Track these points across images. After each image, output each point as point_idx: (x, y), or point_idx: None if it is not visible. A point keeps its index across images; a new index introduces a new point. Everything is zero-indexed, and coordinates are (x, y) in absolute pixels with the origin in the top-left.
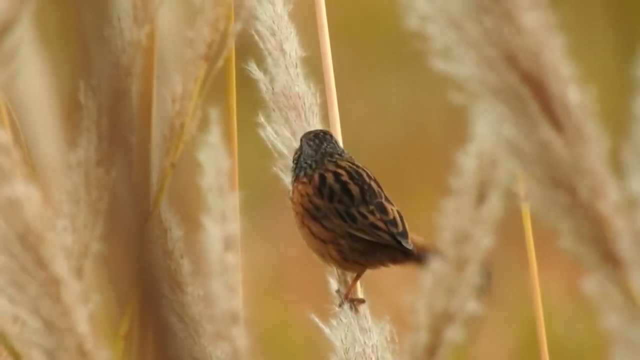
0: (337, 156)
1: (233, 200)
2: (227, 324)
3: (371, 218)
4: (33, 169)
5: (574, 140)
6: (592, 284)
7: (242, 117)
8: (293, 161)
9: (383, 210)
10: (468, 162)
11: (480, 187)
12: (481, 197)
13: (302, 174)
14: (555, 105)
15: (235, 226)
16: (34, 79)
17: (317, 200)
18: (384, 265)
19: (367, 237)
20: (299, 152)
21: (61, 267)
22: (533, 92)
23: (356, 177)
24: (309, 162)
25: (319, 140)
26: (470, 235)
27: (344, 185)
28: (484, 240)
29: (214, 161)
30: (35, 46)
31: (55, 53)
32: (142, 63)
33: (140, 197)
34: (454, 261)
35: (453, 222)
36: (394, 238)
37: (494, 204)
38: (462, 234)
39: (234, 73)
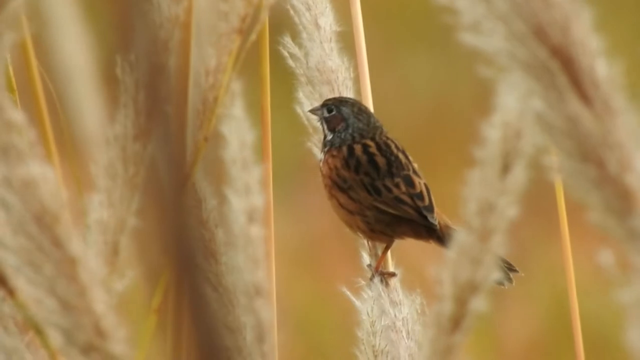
0: (383, 131)
1: (257, 173)
2: (251, 296)
3: (396, 191)
4: (62, 145)
5: (602, 113)
6: (607, 256)
7: (275, 91)
8: (331, 131)
9: (410, 183)
10: (493, 132)
11: (505, 157)
12: (506, 168)
13: (335, 145)
14: (583, 78)
15: (259, 199)
16: (76, 51)
17: (344, 172)
18: (410, 237)
19: (391, 211)
20: (342, 125)
21: (77, 246)
22: (562, 66)
23: (384, 148)
24: (357, 134)
25: (366, 114)
26: (495, 205)
27: (370, 156)
28: (509, 211)
29: (238, 134)
30: (78, 18)
31: (97, 27)
32: (179, 38)
33: (175, 169)
34: (478, 232)
35: (478, 192)
36: (419, 212)
37: (519, 175)
38: (486, 204)
39: (267, 47)
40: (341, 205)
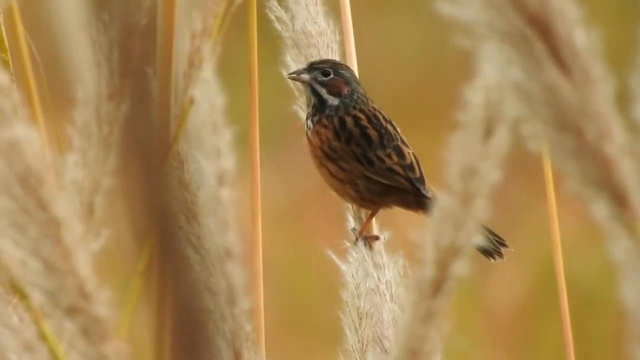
0: (367, 100)
1: (228, 136)
2: (222, 260)
3: (388, 162)
4: (46, 107)
5: (581, 82)
6: (601, 208)
7: (262, 54)
8: (335, 96)
9: (400, 154)
10: (475, 96)
11: (488, 121)
12: (488, 132)
13: (327, 114)
14: (561, 47)
15: (229, 162)
16: (61, 12)
17: (334, 144)
18: (398, 206)
19: (383, 181)
20: (348, 89)
21: (62, 208)
22: (539, 34)
23: (374, 121)
24: (363, 99)
25: (357, 78)
26: (477, 169)
27: (362, 129)
28: (491, 175)
29: (208, 97)
30: None
31: None
32: (163, 0)
33: (160, 132)
34: (460, 195)
35: (460, 156)
36: (411, 183)
37: (502, 139)
38: (469, 168)
39: (255, 10)
40: (331, 174)
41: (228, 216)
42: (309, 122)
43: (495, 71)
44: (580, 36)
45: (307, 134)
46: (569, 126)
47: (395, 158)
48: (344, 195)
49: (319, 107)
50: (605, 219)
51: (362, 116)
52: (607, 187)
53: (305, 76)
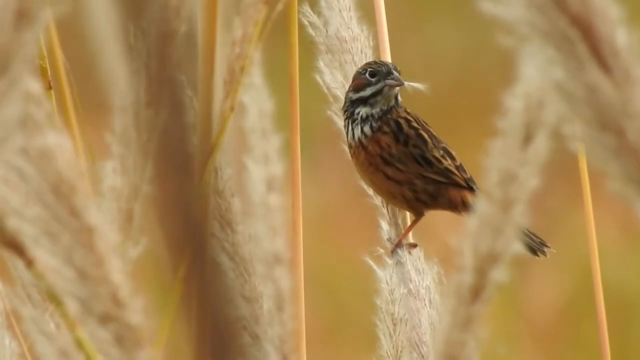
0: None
1: (276, 142)
2: (270, 265)
3: (445, 163)
4: (82, 114)
5: (622, 82)
6: None
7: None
8: (389, 99)
9: (450, 155)
10: (515, 102)
11: (527, 127)
12: (528, 138)
13: (380, 118)
14: (603, 47)
15: (278, 168)
16: (98, 20)
17: (393, 149)
18: (444, 209)
19: (442, 179)
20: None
21: (95, 216)
22: (581, 35)
23: (420, 123)
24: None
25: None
26: (516, 176)
27: (416, 130)
28: (530, 181)
29: (257, 103)
30: None
31: None
32: (205, 7)
33: (201, 139)
34: (499, 202)
35: (499, 162)
36: (467, 183)
37: (541, 145)
38: (508, 174)
39: (296, 16)
40: (389, 177)
41: (277, 222)
42: (366, 129)
43: (536, 72)
44: (622, 36)
45: (359, 142)
46: (610, 126)
47: (448, 160)
48: (397, 197)
49: (382, 113)
50: None
51: (410, 118)
52: None
53: (404, 83)
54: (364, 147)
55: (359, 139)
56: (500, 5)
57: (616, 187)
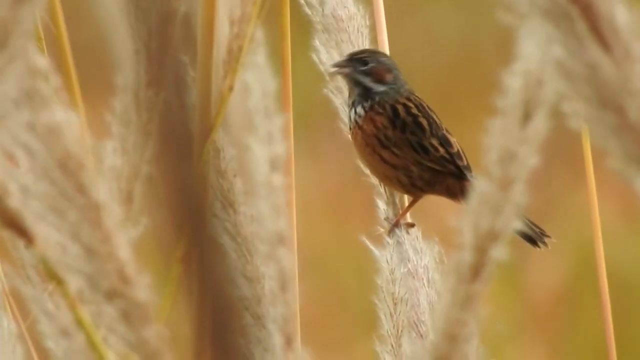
0: (408, 87)
1: (280, 122)
2: (274, 245)
3: (442, 150)
4: (86, 93)
5: (622, 60)
6: None
7: (294, 39)
8: (380, 83)
9: (447, 143)
10: (513, 81)
11: (526, 106)
12: (527, 116)
13: (376, 101)
14: (603, 25)
15: (281, 147)
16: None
17: (389, 131)
18: (442, 195)
19: (437, 167)
20: (391, 76)
21: (102, 192)
22: (581, 12)
23: (422, 109)
24: (406, 87)
25: (397, 67)
26: (516, 154)
27: (414, 117)
28: (530, 160)
29: (260, 82)
30: None
31: None
32: None
33: (201, 119)
34: (499, 180)
35: (498, 141)
36: (460, 170)
37: (540, 123)
38: (507, 153)
39: None
40: (384, 160)
41: (280, 201)
42: (359, 109)
43: (536, 49)
44: (621, 14)
45: (356, 122)
46: (610, 104)
47: (445, 147)
48: (393, 180)
49: (365, 96)
50: None
51: (411, 105)
52: None
53: (346, 69)
54: (360, 127)
55: (355, 120)
56: None
57: (617, 165)
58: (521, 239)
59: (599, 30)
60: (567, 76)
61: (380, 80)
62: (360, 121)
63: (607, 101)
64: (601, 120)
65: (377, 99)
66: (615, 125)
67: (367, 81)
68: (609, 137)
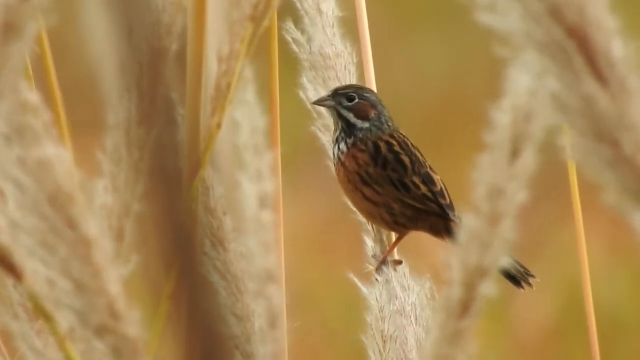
0: (393, 124)
1: (269, 159)
2: (263, 282)
3: (423, 188)
4: (75, 130)
5: (618, 93)
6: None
7: (282, 75)
8: (363, 119)
9: (430, 181)
10: (502, 116)
11: (515, 142)
12: (515, 152)
13: (359, 138)
14: (599, 59)
15: (271, 184)
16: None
17: (371, 169)
18: (426, 232)
19: (418, 206)
20: (375, 112)
21: (92, 227)
22: (577, 46)
23: (404, 147)
24: (389, 124)
25: (382, 104)
26: (504, 190)
27: (396, 155)
28: (518, 195)
29: (249, 119)
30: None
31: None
32: (193, 24)
33: (188, 156)
34: (487, 216)
35: (487, 176)
36: (442, 209)
37: (528, 159)
38: (495, 188)
39: (276, 33)
40: (366, 197)
41: (269, 238)
42: (342, 145)
43: (530, 82)
44: (618, 47)
45: (338, 158)
46: (606, 137)
47: (427, 185)
48: (376, 217)
49: (348, 132)
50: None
51: (394, 142)
52: None
53: (330, 102)
54: (342, 164)
55: (337, 156)
56: (496, 15)
57: (611, 199)
58: (505, 279)
59: (595, 64)
60: (563, 109)
61: (363, 117)
62: (342, 157)
63: (602, 134)
64: (596, 154)
65: (360, 135)
66: (610, 159)
67: (351, 117)
68: (603, 170)
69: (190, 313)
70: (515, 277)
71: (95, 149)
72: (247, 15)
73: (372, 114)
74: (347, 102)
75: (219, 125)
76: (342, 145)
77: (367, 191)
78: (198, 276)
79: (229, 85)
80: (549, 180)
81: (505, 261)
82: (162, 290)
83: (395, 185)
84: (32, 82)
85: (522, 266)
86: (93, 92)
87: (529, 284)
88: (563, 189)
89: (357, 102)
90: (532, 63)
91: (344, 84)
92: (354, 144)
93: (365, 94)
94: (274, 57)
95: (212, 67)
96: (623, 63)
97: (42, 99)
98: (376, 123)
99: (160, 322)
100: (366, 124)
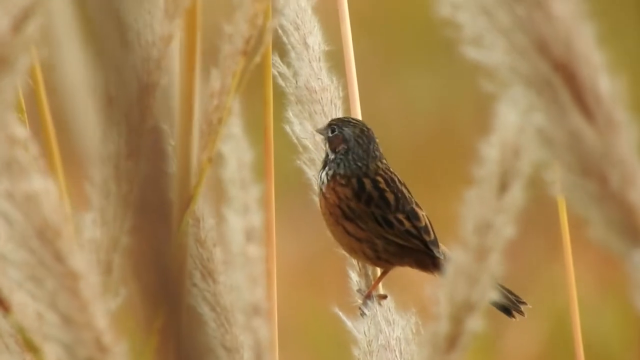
0: (383, 162)
1: (256, 193)
2: (249, 315)
3: (407, 224)
4: (60, 161)
5: (605, 128)
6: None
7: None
8: (332, 151)
9: (415, 217)
10: (490, 152)
11: (503, 176)
12: (503, 187)
13: (341, 173)
14: (586, 93)
15: (257, 218)
16: (80, 72)
17: (353, 204)
18: (413, 267)
19: (401, 242)
20: (343, 147)
21: (79, 260)
22: (564, 81)
23: (391, 184)
24: (358, 164)
25: (367, 138)
26: (492, 224)
27: (381, 192)
28: (506, 230)
29: (236, 153)
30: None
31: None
32: (184, 59)
33: (180, 190)
34: (475, 250)
35: (475, 211)
36: (426, 246)
37: (516, 194)
38: (483, 223)
39: (270, 68)
40: (349, 233)
41: (256, 272)
42: (323, 175)
43: (517, 117)
44: (605, 82)
45: (320, 189)
46: (592, 172)
47: (411, 221)
48: (358, 253)
49: (325, 163)
50: (630, 265)
51: (380, 179)
52: (631, 233)
53: (324, 132)
54: (324, 195)
55: (320, 187)
56: (482, 50)
57: (597, 234)
58: (496, 310)
59: (582, 99)
60: (549, 144)
61: (333, 149)
62: (324, 188)
63: (589, 169)
64: (582, 188)
65: (340, 171)
66: (596, 194)
67: (327, 148)
68: (590, 205)
69: (179, 345)
70: (506, 307)
71: (85, 181)
72: (239, 50)
73: (340, 147)
74: (330, 133)
75: (210, 160)
76: (323, 176)
77: (350, 226)
78: (187, 309)
79: (220, 120)
80: (539, 215)
81: (496, 293)
82: (152, 323)
83: (378, 222)
84: (24, 115)
85: (512, 293)
86: (82, 125)
87: (521, 312)
88: (553, 224)
89: (333, 135)
90: (519, 98)
91: (330, 118)
92: (333, 177)
93: (344, 127)
94: (269, 92)
95: (202, 101)
96: (610, 98)
97: (35, 132)
98: (341, 157)
99: (150, 355)
100: (332, 156)
